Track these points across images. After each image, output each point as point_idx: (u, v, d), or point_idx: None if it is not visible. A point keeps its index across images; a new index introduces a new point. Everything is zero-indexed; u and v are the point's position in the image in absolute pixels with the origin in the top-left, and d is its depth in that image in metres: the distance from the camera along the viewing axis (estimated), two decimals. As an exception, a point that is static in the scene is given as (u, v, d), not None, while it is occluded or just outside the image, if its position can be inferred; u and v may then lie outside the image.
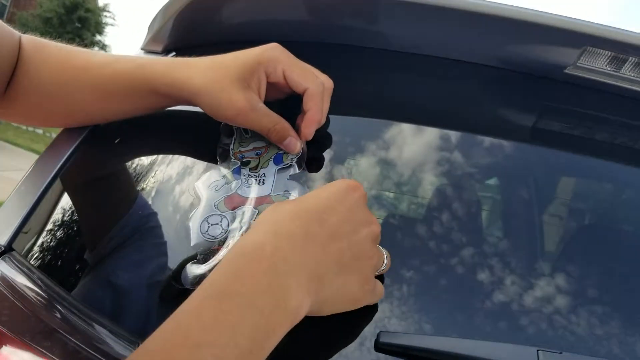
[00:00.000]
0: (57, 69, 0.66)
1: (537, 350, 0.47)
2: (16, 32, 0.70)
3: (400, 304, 0.54)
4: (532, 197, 0.78)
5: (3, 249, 0.66)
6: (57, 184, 0.70)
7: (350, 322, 0.52)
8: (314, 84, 0.60)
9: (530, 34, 0.66)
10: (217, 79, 0.59)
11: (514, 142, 0.72)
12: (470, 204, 0.66)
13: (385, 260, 0.52)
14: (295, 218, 0.45)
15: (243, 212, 0.58)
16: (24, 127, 14.95)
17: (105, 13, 20.32)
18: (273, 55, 0.60)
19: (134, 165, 0.72)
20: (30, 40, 0.70)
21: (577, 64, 0.67)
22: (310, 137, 0.60)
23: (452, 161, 0.66)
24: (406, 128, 0.69)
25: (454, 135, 0.69)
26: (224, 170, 0.62)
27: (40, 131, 15.18)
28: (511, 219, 0.78)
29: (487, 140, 0.70)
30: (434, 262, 0.58)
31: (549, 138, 0.73)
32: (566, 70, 0.68)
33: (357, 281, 0.47)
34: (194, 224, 0.58)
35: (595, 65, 0.66)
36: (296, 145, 0.60)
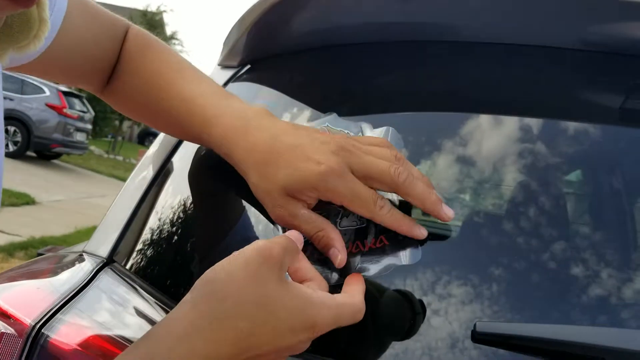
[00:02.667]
0: (147, 81, 0.68)
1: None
2: (122, 24, 0.71)
3: (494, 298, 0.53)
4: (622, 185, 0.75)
5: (105, 261, 0.69)
6: (154, 195, 0.74)
7: (444, 315, 0.52)
8: (374, 214, 0.55)
9: (612, 10, 0.64)
10: (266, 177, 0.57)
11: (604, 126, 0.69)
12: (557, 193, 0.64)
13: None
14: (237, 345, 0.43)
15: (328, 211, 0.59)
16: (105, 156, 15.69)
17: (174, 41, 21.16)
18: (329, 185, 0.54)
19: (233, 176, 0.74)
20: (135, 37, 0.70)
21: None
22: (424, 234, 0.56)
23: (538, 152, 0.64)
24: (490, 122, 0.68)
25: (540, 125, 0.67)
26: None
27: (120, 158, 15.89)
28: (600, 210, 0.75)
29: (576, 128, 0.68)
30: (525, 256, 0.57)
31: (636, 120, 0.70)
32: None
33: None
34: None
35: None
36: (337, 257, 0.55)
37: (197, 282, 0.45)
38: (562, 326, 0.49)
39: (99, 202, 7.70)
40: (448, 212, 0.56)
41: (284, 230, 0.59)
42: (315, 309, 0.46)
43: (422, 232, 0.56)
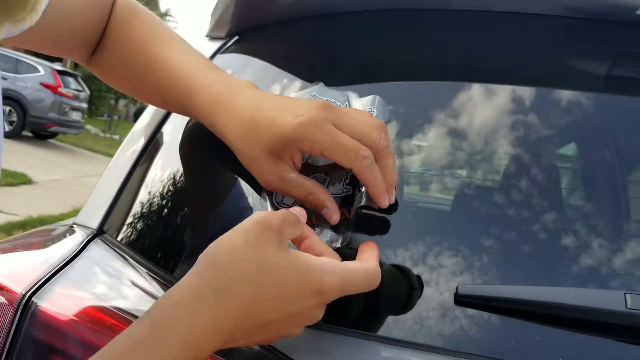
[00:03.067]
0: (134, 51, 0.68)
1: (625, 294, 0.46)
2: None
3: (480, 261, 0.54)
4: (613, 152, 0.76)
5: (95, 232, 0.70)
6: (144, 168, 0.74)
7: (428, 280, 0.53)
8: (356, 163, 0.54)
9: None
10: (250, 142, 0.57)
11: (592, 95, 0.69)
12: (546, 164, 0.65)
13: None
14: (240, 312, 0.44)
15: (316, 178, 0.60)
16: (102, 135, 15.65)
17: (168, 18, 20.99)
18: (307, 134, 0.54)
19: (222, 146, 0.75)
20: (122, 7, 0.70)
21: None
22: (386, 204, 0.56)
23: (525, 123, 0.64)
24: (472, 92, 0.68)
25: (526, 95, 0.67)
26: None
27: (116, 137, 15.85)
28: (590, 176, 0.75)
29: (563, 97, 0.68)
30: (506, 224, 0.57)
31: (628, 87, 0.70)
32: (638, 12, 0.65)
33: (272, 340, 0.48)
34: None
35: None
36: (331, 217, 0.56)
37: (200, 256, 0.46)
38: (540, 287, 0.50)
39: (95, 181, 7.70)
40: (392, 199, 0.56)
41: (271, 201, 0.60)
42: (319, 273, 0.46)
43: (385, 202, 0.56)
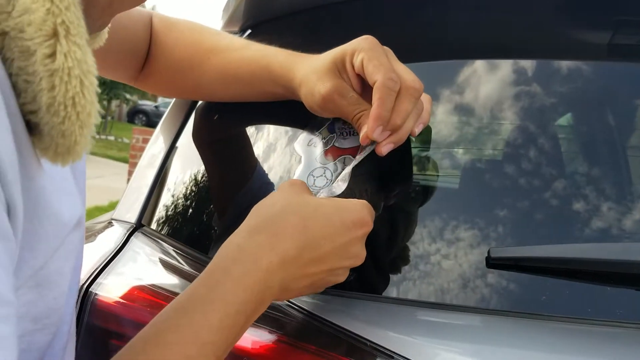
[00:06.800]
0: (189, 51, 0.73)
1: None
2: (145, 11, 0.76)
3: (506, 225, 0.58)
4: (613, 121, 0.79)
5: (135, 225, 0.74)
6: (174, 160, 0.78)
7: (459, 245, 0.57)
8: (384, 77, 0.56)
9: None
10: (316, 69, 0.62)
11: (591, 63, 0.73)
12: (549, 135, 0.68)
13: None
14: (297, 239, 0.50)
15: (344, 159, 0.63)
16: (97, 137, 15.55)
17: (154, 15, 20.80)
18: (358, 46, 0.60)
19: (240, 136, 0.78)
20: (160, 20, 0.76)
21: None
22: (374, 136, 0.57)
23: (526, 95, 0.68)
24: (475, 67, 0.71)
25: (527, 67, 0.70)
26: (320, 127, 0.68)
27: (112, 138, 15.81)
28: (594, 146, 0.79)
29: (567, 68, 0.71)
30: (533, 190, 0.61)
31: (625, 55, 0.74)
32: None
33: (319, 287, 0.54)
34: (300, 179, 0.64)
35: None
36: (363, 132, 0.58)
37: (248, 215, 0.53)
38: (567, 245, 0.53)
39: (96, 183, 7.71)
40: (378, 137, 0.58)
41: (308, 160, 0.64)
42: (352, 205, 0.53)
43: (372, 134, 0.57)
